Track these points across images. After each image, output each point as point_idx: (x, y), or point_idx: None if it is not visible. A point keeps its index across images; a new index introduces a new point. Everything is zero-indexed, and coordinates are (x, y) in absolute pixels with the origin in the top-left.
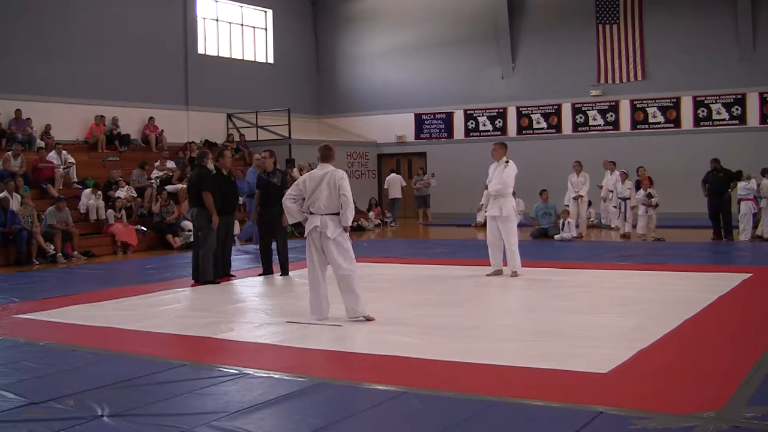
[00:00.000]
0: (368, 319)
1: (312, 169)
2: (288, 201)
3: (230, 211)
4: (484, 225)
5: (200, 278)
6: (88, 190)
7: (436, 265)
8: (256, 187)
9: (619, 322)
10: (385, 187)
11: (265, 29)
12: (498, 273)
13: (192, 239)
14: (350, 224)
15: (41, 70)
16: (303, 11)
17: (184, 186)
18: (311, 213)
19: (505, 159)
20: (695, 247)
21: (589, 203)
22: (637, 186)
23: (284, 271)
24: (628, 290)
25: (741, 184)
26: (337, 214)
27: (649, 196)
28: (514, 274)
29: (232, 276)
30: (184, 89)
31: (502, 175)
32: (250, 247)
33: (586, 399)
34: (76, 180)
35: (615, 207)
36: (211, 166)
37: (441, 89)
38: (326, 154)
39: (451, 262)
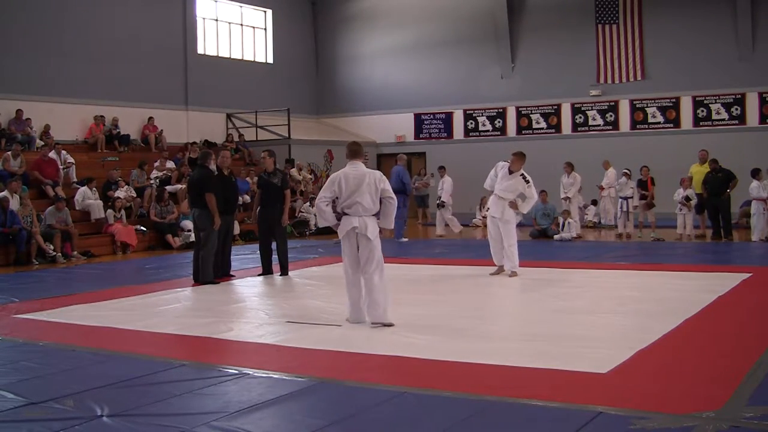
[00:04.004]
0: (386, 325)
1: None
2: (323, 204)
3: (231, 211)
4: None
5: (201, 278)
6: (84, 187)
7: (435, 265)
8: (257, 187)
9: (619, 322)
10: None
11: (265, 29)
12: (501, 271)
13: (192, 239)
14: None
15: (41, 70)
16: (302, 11)
17: (184, 186)
18: (345, 214)
19: (521, 173)
20: (695, 247)
21: (593, 202)
22: (639, 185)
23: (284, 272)
24: (628, 290)
25: (754, 183)
26: (374, 215)
27: (687, 198)
28: (513, 274)
29: (232, 276)
30: (184, 89)
31: (534, 193)
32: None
33: (586, 399)
34: (75, 180)
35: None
36: (213, 166)
37: (440, 89)
38: (356, 150)
39: (451, 262)
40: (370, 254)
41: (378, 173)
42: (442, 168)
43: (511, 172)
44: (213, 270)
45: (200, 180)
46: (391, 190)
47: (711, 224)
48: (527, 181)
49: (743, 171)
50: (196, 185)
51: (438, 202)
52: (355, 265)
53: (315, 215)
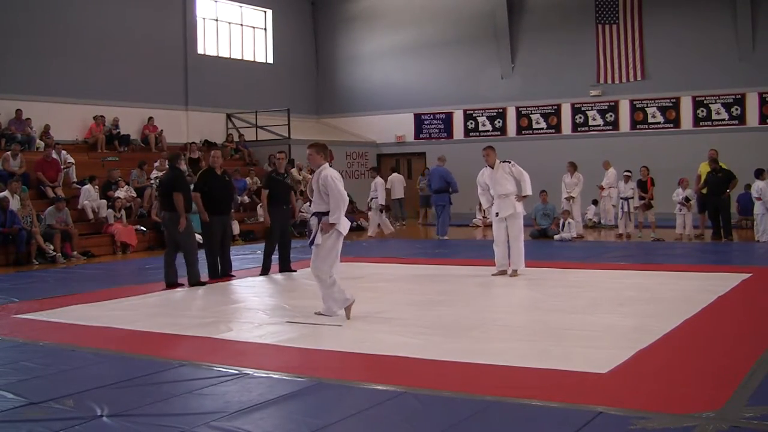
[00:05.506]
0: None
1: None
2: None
3: (226, 211)
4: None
5: (189, 280)
6: (87, 186)
7: (436, 265)
8: (265, 187)
9: (619, 322)
10: (387, 187)
11: (265, 29)
12: (503, 273)
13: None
14: None
15: (41, 70)
16: (302, 11)
17: None
18: None
19: (499, 161)
20: (695, 247)
21: (594, 202)
22: (639, 185)
23: (289, 267)
24: (628, 290)
25: (761, 184)
26: None
27: (687, 199)
28: (515, 273)
29: (232, 276)
30: (184, 89)
31: (522, 171)
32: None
33: (586, 399)
34: (75, 180)
35: (614, 206)
36: (184, 167)
37: (440, 89)
38: (329, 153)
39: (451, 262)
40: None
41: None
42: (373, 169)
43: (492, 167)
44: (213, 270)
45: (169, 181)
46: None
47: (711, 224)
48: (509, 162)
49: (743, 171)
50: (165, 186)
51: (369, 203)
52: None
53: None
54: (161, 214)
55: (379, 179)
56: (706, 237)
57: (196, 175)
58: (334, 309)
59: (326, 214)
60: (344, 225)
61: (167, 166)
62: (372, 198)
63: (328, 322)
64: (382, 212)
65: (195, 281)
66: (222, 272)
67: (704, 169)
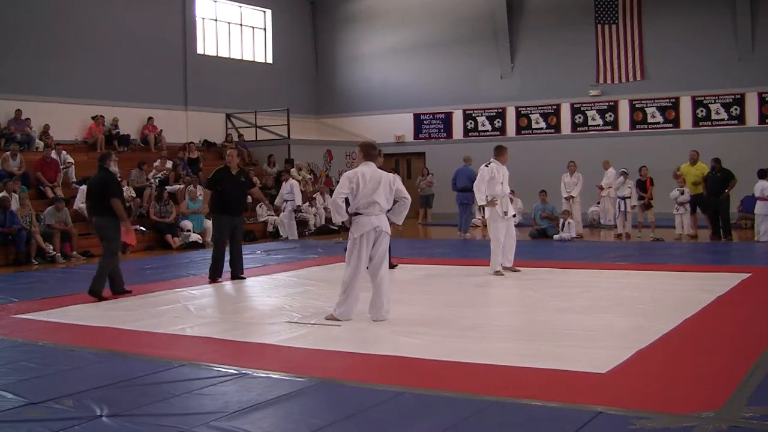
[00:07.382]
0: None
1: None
2: (340, 200)
3: (235, 211)
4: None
5: (90, 288)
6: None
7: (435, 265)
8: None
9: (619, 322)
10: None
11: (264, 29)
12: (501, 272)
13: (191, 239)
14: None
15: (41, 70)
16: (302, 11)
17: (182, 186)
18: (359, 213)
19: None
20: (694, 247)
21: (597, 203)
22: (638, 185)
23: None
24: (627, 290)
25: (765, 184)
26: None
27: (681, 193)
28: (514, 269)
29: (243, 278)
30: (183, 89)
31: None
32: None
33: (586, 399)
34: (75, 180)
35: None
36: (114, 168)
37: (440, 89)
38: (373, 152)
39: (451, 262)
40: (384, 252)
41: (392, 175)
42: (286, 171)
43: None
44: (217, 272)
45: (100, 183)
46: (406, 191)
47: (710, 225)
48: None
49: (743, 171)
50: (96, 189)
51: (294, 207)
52: (362, 267)
53: (320, 213)
54: (92, 218)
55: (292, 181)
56: (700, 237)
57: (211, 174)
58: (345, 315)
59: (353, 215)
60: (360, 227)
61: (98, 167)
62: (286, 200)
63: (328, 322)
64: (296, 214)
65: (97, 291)
66: (233, 274)
67: (686, 169)
